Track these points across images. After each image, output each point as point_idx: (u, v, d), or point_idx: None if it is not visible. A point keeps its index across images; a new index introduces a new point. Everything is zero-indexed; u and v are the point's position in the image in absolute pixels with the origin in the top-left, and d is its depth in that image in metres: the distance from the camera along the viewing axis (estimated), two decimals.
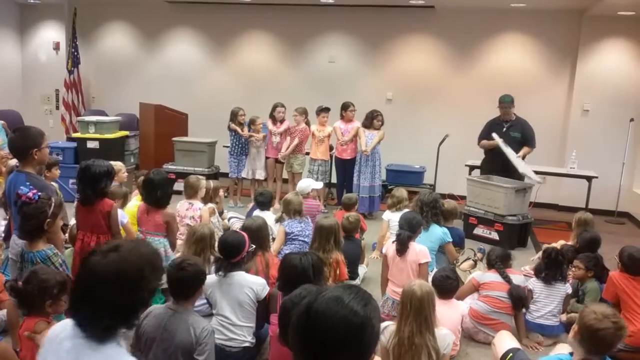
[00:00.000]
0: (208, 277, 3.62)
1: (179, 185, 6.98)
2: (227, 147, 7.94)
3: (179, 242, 4.70)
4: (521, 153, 6.68)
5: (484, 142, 6.94)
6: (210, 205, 5.44)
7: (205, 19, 9.86)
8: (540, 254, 4.90)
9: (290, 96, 8.34)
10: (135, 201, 5.09)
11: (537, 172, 6.71)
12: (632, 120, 7.99)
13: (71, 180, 6.90)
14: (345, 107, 7.62)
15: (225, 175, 8.11)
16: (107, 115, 9.36)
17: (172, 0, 9.69)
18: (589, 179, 7.29)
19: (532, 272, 4.59)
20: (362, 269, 5.18)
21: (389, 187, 7.86)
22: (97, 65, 10.52)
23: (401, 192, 5.92)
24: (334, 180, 7.96)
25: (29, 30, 10.56)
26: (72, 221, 4.52)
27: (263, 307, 3.52)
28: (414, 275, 4.13)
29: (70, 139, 8.47)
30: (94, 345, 1.58)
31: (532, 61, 8.71)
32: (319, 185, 6.47)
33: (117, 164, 5.06)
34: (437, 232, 4.91)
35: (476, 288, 4.24)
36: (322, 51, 9.51)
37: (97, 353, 1.58)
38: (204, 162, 8.22)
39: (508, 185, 6.45)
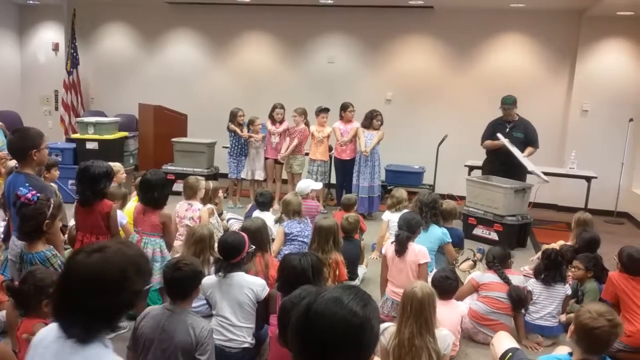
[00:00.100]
0: (208, 277, 3.63)
1: (178, 186, 7.00)
2: (227, 147, 7.93)
3: (178, 242, 4.70)
4: (526, 153, 6.68)
5: (488, 142, 6.91)
6: (209, 206, 5.43)
7: (204, 19, 9.86)
8: (539, 254, 4.90)
9: (289, 97, 8.34)
10: (134, 202, 5.08)
11: None
12: (631, 120, 7.99)
13: (70, 181, 6.89)
14: (344, 107, 7.62)
15: (225, 176, 8.10)
16: (106, 116, 9.35)
17: (172, 1, 9.69)
18: (588, 179, 7.29)
19: (532, 273, 4.59)
20: (361, 270, 5.18)
21: (389, 188, 7.85)
22: (96, 66, 10.52)
23: (401, 192, 5.91)
24: (333, 180, 7.96)
25: (28, 31, 10.56)
26: (72, 222, 4.52)
27: (263, 308, 3.52)
28: (413, 276, 4.13)
29: (69, 140, 8.46)
30: (75, 347, 1.56)
31: (531, 61, 8.72)
32: (319, 185, 6.47)
33: (115, 165, 5.06)
34: (437, 233, 4.91)
35: (475, 288, 4.24)
36: (321, 51, 9.51)
37: (77, 355, 1.55)
38: (203, 162, 8.22)
39: (507, 185, 6.45)
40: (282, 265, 3.32)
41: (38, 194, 3.44)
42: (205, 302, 3.81)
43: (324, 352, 1.33)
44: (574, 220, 5.34)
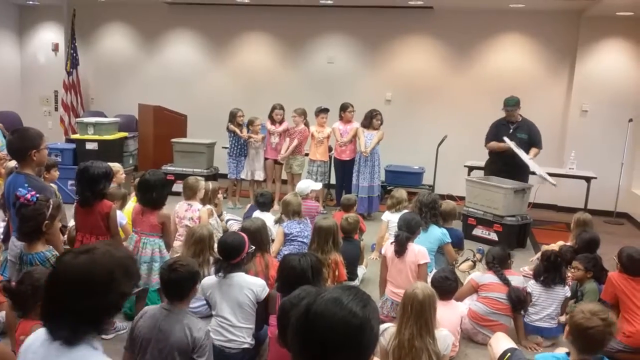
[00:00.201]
0: (208, 278, 3.63)
1: (178, 187, 7.00)
2: (226, 148, 7.93)
3: (177, 243, 4.70)
4: (531, 154, 6.67)
5: (494, 144, 6.85)
6: (208, 206, 5.43)
7: (204, 20, 9.86)
8: (539, 254, 4.89)
9: (289, 97, 8.34)
10: (133, 203, 5.08)
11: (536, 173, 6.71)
12: (630, 120, 8.00)
13: (70, 182, 6.89)
14: (344, 108, 7.62)
15: (225, 176, 8.10)
16: (106, 116, 9.34)
17: (171, 1, 9.69)
18: (587, 179, 7.30)
19: (531, 273, 4.58)
20: (361, 270, 5.18)
21: (388, 188, 7.86)
22: (96, 67, 10.52)
23: (401, 193, 5.91)
24: (333, 181, 7.96)
25: (28, 32, 10.55)
26: (71, 223, 4.52)
27: (262, 309, 3.52)
28: (413, 276, 4.13)
29: (69, 141, 8.45)
30: (62, 350, 1.55)
31: (530, 62, 8.72)
32: (318, 186, 6.46)
33: (114, 165, 5.06)
34: (436, 233, 4.91)
35: (475, 289, 4.24)
36: (320, 52, 9.51)
37: (63, 357, 1.54)
38: (203, 163, 8.22)
39: (507, 185, 6.45)
40: (282, 266, 3.32)
41: (37, 195, 3.44)
42: (205, 302, 3.81)
43: (323, 352, 1.33)
44: (574, 221, 5.34)
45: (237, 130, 7.63)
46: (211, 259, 4.02)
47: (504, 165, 6.72)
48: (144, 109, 9.07)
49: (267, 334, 3.52)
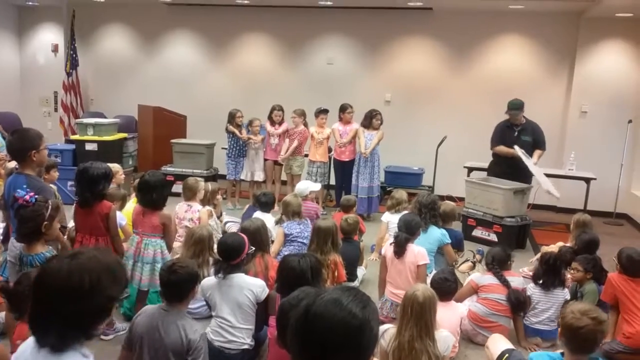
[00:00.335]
0: (207, 279, 3.63)
1: (177, 187, 7.00)
2: (226, 149, 7.93)
3: (177, 244, 4.70)
4: (535, 158, 6.66)
5: (502, 148, 6.78)
6: (207, 207, 5.43)
7: (203, 21, 9.86)
8: (538, 256, 4.89)
9: (288, 98, 8.34)
10: (133, 203, 5.08)
11: None
12: (630, 121, 8.00)
13: (69, 183, 6.88)
14: (343, 109, 7.62)
15: (224, 177, 8.10)
16: (105, 117, 9.33)
17: (171, 2, 9.70)
18: (587, 180, 7.30)
19: (531, 275, 4.58)
20: (360, 271, 5.17)
21: (388, 189, 7.85)
22: (95, 68, 10.52)
23: (401, 193, 5.91)
24: (332, 182, 7.96)
25: (28, 33, 10.55)
26: (71, 223, 4.51)
27: (262, 309, 3.52)
28: (412, 277, 4.13)
29: (68, 141, 8.45)
30: (49, 357, 1.53)
31: (530, 63, 8.73)
32: (317, 187, 6.46)
33: (114, 166, 5.05)
34: (436, 234, 4.91)
35: (475, 290, 4.23)
36: (320, 53, 9.52)
37: None
38: (202, 164, 8.22)
39: (506, 186, 6.45)
40: (281, 267, 3.32)
41: (36, 196, 3.43)
42: (204, 303, 3.81)
43: (323, 353, 1.33)
44: (573, 222, 5.34)
45: (237, 131, 7.63)
46: (211, 260, 4.02)
47: (507, 167, 6.71)
48: (144, 109, 9.07)
49: (266, 334, 3.52)
